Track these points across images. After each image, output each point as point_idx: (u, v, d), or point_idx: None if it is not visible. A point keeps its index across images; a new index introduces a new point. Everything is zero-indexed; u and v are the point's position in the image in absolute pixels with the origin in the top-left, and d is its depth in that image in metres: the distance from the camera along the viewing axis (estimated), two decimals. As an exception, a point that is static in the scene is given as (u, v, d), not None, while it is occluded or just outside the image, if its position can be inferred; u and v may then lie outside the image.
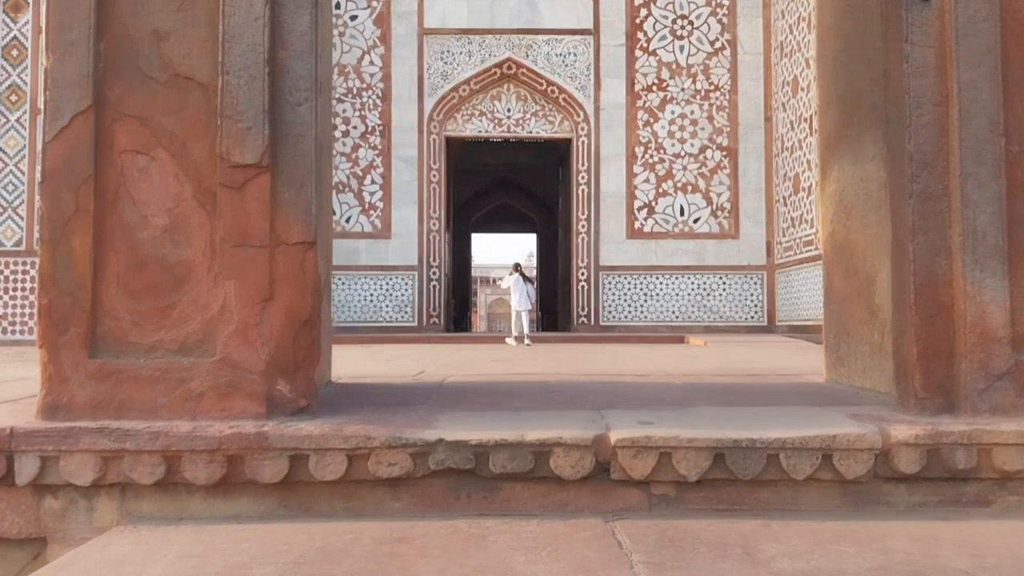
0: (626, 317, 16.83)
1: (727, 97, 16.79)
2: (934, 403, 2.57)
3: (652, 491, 2.45)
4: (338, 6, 16.69)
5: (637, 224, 16.91)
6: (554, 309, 21.63)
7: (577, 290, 17.10)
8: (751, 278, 16.84)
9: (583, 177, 17.02)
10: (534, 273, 31.08)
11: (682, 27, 16.86)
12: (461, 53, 16.77)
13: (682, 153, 16.82)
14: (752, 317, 16.76)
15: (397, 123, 16.90)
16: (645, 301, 16.84)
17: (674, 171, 16.81)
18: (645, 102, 16.81)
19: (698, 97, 16.76)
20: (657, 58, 16.82)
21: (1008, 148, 2.57)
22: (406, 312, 16.91)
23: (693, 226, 16.88)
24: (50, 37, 2.53)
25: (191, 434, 2.41)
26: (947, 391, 2.56)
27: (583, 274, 17.02)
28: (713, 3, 16.93)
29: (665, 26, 16.89)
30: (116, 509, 2.47)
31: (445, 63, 16.83)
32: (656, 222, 16.88)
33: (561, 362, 8.10)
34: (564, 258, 18.35)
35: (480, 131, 17.21)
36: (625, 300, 16.88)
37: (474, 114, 17.19)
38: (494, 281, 39.41)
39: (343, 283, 16.61)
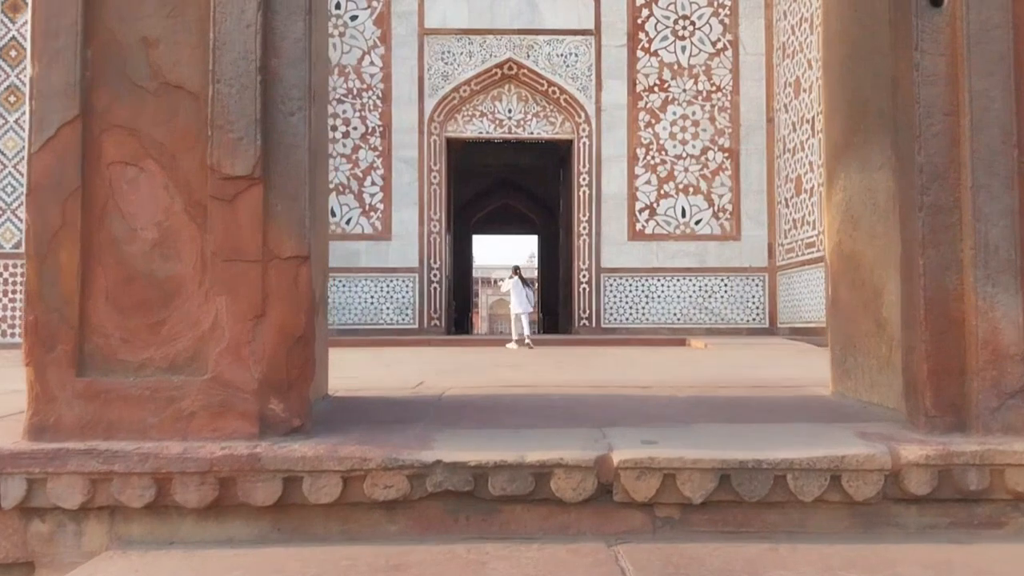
0: (627, 319, 16.77)
1: (729, 98, 16.72)
2: (945, 421, 2.49)
3: (656, 513, 2.38)
4: (338, 6, 16.63)
5: (638, 226, 16.84)
6: (555, 311, 21.56)
7: (578, 292, 17.04)
8: (753, 280, 16.77)
9: (584, 178, 16.96)
10: (535, 274, 31.04)
11: (684, 27, 16.79)
12: (462, 53, 16.70)
13: (684, 154, 16.75)
14: (754, 319, 16.69)
15: (397, 124, 16.83)
16: (646, 303, 16.78)
17: (676, 172, 16.74)
18: (646, 103, 16.74)
19: (700, 98, 16.69)
20: (659, 59, 16.75)
21: (1021, 159, 2.50)
22: (407, 314, 16.85)
23: (695, 228, 16.81)
24: (35, 44, 2.46)
25: (182, 455, 2.34)
26: (958, 409, 2.49)
27: (584, 276, 16.95)
28: (715, 3, 16.85)
29: (667, 26, 16.81)
30: (105, 532, 2.40)
31: (446, 63, 16.76)
32: (657, 224, 16.81)
33: (562, 369, 8.04)
34: (565, 260, 18.28)
35: (481, 132, 17.14)
36: (626, 302, 16.82)
37: (475, 115, 17.12)
38: (495, 282, 39.33)
39: (343, 285, 16.55)
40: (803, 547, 2.27)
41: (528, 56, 16.56)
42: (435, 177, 16.86)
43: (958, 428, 2.49)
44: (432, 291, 16.85)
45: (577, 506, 2.37)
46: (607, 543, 2.31)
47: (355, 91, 16.63)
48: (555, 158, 18.98)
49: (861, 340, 3.14)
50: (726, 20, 16.72)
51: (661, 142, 16.73)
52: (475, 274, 33.62)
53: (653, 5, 16.78)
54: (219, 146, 2.45)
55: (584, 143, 16.79)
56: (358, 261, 16.57)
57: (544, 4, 16.65)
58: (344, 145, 16.64)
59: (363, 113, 16.67)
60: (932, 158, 2.52)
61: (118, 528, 2.41)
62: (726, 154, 16.72)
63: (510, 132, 17.05)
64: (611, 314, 16.74)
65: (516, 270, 15.43)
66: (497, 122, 16.98)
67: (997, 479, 2.38)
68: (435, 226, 16.90)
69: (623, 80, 16.65)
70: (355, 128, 16.68)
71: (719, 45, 16.74)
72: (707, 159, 16.73)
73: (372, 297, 16.68)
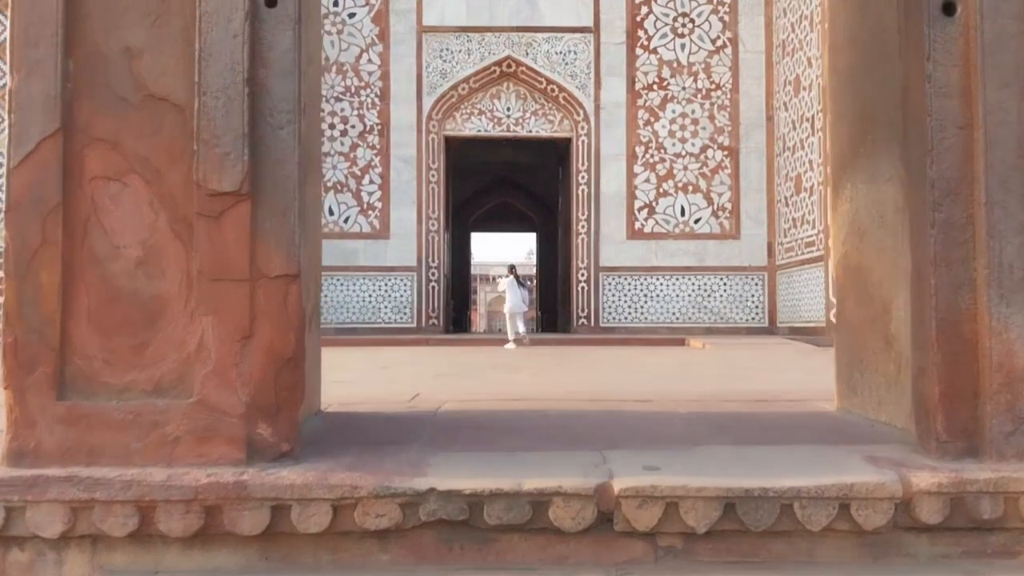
0: (626, 318, 16.70)
1: (728, 96, 16.63)
2: (957, 447, 2.41)
3: (658, 543, 2.30)
4: (336, 3, 16.51)
5: (637, 224, 16.76)
6: (554, 309, 21.49)
7: (577, 291, 16.97)
8: (752, 279, 16.69)
9: (583, 177, 16.87)
10: (533, 271, 30.95)
11: (683, 25, 16.69)
12: (460, 51, 16.60)
13: (683, 153, 16.67)
14: (753, 318, 16.63)
15: (396, 122, 16.74)
16: (645, 302, 16.71)
17: (675, 171, 16.66)
18: (646, 101, 16.65)
19: (699, 96, 16.60)
20: (658, 56, 16.66)
21: (1037, 174, 2.41)
22: (405, 313, 16.77)
23: (694, 226, 16.73)
24: (14, 55, 2.36)
25: (166, 483, 2.25)
26: (971, 434, 2.40)
27: (583, 275, 16.87)
28: (714, 1, 16.75)
29: (666, 24, 16.72)
30: (87, 562, 2.31)
31: (444, 61, 16.66)
32: (657, 222, 16.73)
33: (561, 371, 7.96)
34: (564, 258, 18.21)
35: (479, 130, 17.05)
36: (625, 301, 16.74)
37: (473, 113, 17.02)
38: (493, 279, 39.29)
39: (341, 284, 16.47)
40: (811, 579, 2.19)
41: (527, 54, 16.46)
42: (433, 175, 16.77)
43: (970, 454, 2.40)
44: (430, 290, 16.77)
45: (576, 535, 2.28)
46: (607, 574, 2.23)
47: (353, 89, 16.54)
48: (554, 156, 18.90)
49: (868, 356, 3.06)
50: (725, 17, 16.62)
51: (660, 140, 16.64)
52: (473, 271, 33.52)
53: (652, 2, 16.68)
54: (205, 161, 2.36)
55: (583, 141, 16.70)
56: (356, 260, 16.49)
57: (543, 1, 16.54)
58: (342, 143, 16.55)
59: (361, 111, 16.57)
60: (945, 173, 2.43)
61: (100, 557, 2.32)
62: (725, 152, 16.64)
63: (509, 130, 16.96)
64: (610, 313, 16.67)
65: (511, 269, 15.35)
66: (496, 120, 16.88)
67: (1011, 507, 2.29)
68: (433, 225, 16.81)
69: (622, 78, 16.56)
70: (353, 126, 16.59)
71: (718, 43, 16.65)
72: (706, 157, 16.65)
73: (370, 296, 16.60)
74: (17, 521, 2.28)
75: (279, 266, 2.38)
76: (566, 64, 16.53)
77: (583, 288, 16.76)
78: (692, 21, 16.61)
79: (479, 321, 43.65)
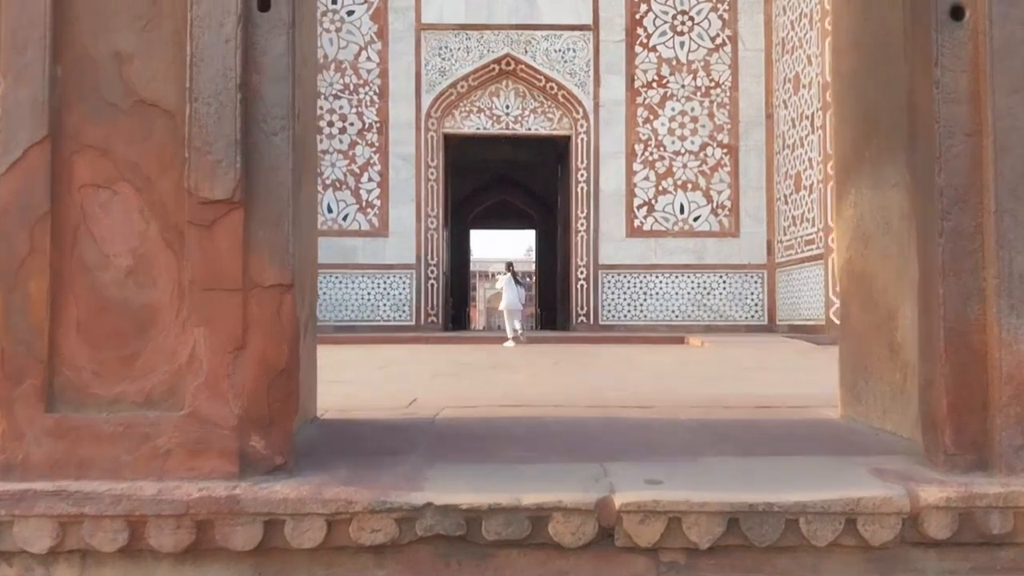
0: (625, 316, 16.66)
1: (728, 94, 16.57)
2: (965, 460, 2.36)
3: (660, 559, 2.25)
4: (334, 1, 16.44)
5: (637, 222, 16.71)
6: (553, 307, 21.44)
7: (576, 288, 16.92)
8: (751, 277, 16.65)
9: (582, 174, 16.81)
10: (532, 268, 30.87)
11: (682, 23, 16.62)
12: (459, 49, 16.53)
13: (682, 150, 16.62)
14: (752, 316, 16.58)
15: (395, 120, 16.68)
16: (645, 300, 16.66)
17: (674, 169, 16.61)
18: (645, 99, 16.59)
19: (698, 94, 16.54)
20: (657, 54, 16.60)
21: (1047, 182, 2.36)
22: (404, 311, 16.72)
23: (693, 224, 16.68)
24: (1, 60, 2.31)
25: (157, 497, 2.20)
26: (980, 447, 2.35)
27: (582, 272, 16.82)
28: (714, -2, 16.68)
29: (665, 21, 16.65)
30: (76, 577, 2.26)
31: (443, 59, 16.59)
32: (656, 220, 16.69)
33: (560, 371, 7.91)
34: (563, 256, 18.16)
35: (478, 128, 16.98)
36: (624, 299, 16.70)
37: (472, 111, 16.96)
38: (492, 275, 39.20)
39: (340, 282, 16.41)
40: (816, 596, 2.14)
41: (526, 52, 16.39)
42: (432, 173, 16.72)
43: (979, 466, 2.35)
44: (429, 287, 16.73)
45: (576, 551, 2.23)
46: (608, 591, 2.18)
47: (352, 87, 16.47)
48: (553, 154, 18.84)
49: (873, 364, 3.01)
50: (725, 15, 16.55)
51: (660, 138, 16.59)
52: (472, 267, 33.47)
53: (651, 0, 16.60)
54: (197, 168, 2.30)
55: (582, 139, 16.64)
56: (355, 257, 16.44)
57: (542, -1, 16.48)
58: (341, 141, 16.49)
59: (360, 109, 16.51)
60: (953, 181, 2.38)
61: (89, 572, 2.27)
62: (725, 150, 16.59)
63: (508, 128, 16.90)
64: (609, 311, 16.63)
65: (509, 267, 15.30)
66: (495, 118, 16.82)
67: (1021, 522, 2.25)
68: (432, 222, 16.76)
69: (621, 76, 16.50)
70: (352, 124, 16.53)
71: (718, 40, 16.58)
72: (706, 155, 16.60)
73: (369, 294, 16.55)
74: (4, 536, 2.22)
75: (273, 275, 2.33)
76: (565, 62, 16.47)
77: (582, 286, 16.72)
78: (691, 19, 16.55)
79: (478, 318, 43.62)
